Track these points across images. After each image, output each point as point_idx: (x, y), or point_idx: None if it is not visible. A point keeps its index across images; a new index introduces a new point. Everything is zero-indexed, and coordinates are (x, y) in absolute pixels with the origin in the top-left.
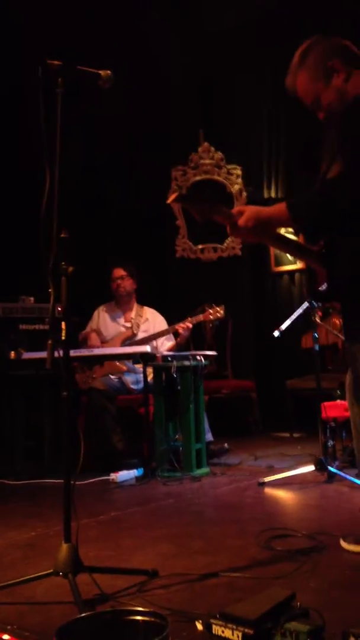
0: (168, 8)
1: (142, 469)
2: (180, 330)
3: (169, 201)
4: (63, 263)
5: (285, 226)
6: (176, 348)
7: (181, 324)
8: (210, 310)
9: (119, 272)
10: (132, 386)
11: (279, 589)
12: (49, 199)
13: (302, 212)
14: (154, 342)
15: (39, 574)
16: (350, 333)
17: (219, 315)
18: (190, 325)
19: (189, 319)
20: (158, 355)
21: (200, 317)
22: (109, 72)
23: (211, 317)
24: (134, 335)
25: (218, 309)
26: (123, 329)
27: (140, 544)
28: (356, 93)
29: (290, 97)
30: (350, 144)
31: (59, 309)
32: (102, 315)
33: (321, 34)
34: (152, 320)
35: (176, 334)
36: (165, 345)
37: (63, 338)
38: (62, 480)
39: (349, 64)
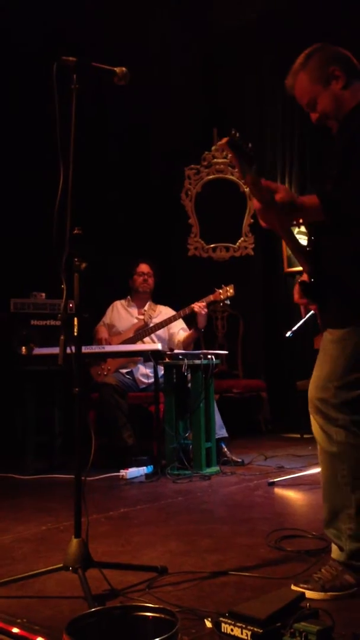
0: (179, 4)
1: (151, 466)
2: (197, 309)
3: (221, 143)
4: (76, 259)
5: (314, 218)
6: (195, 335)
7: (196, 303)
8: (220, 290)
9: (147, 268)
10: (144, 379)
11: (289, 589)
12: (63, 196)
13: (333, 205)
14: (169, 331)
15: (49, 568)
16: (336, 319)
17: (229, 294)
18: (204, 304)
19: (201, 301)
20: (169, 353)
21: (211, 297)
22: (124, 69)
23: (221, 296)
24: (146, 324)
25: (228, 287)
26: (136, 320)
27: (149, 540)
28: (355, 103)
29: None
30: (348, 155)
31: (71, 305)
32: (116, 310)
33: (327, 41)
34: (164, 313)
35: (191, 322)
36: (180, 334)
37: (75, 334)
38: (71, 476)
39: (349, 73)
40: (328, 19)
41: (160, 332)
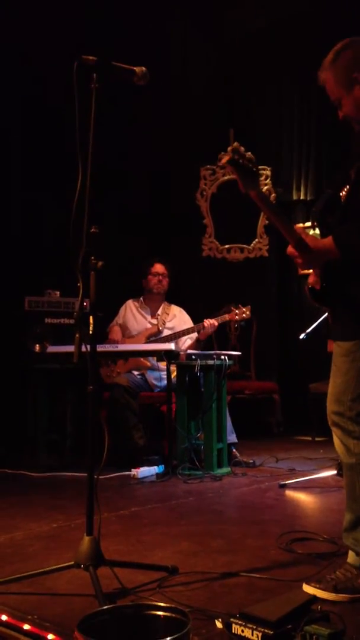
0: (197, 9)
1: (163, 466)
2: (206, 324)
3: (222, 162)
4: (93, 258)
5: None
6: (196, 345)
7: (208, 320)
8: (237, 310)
9: (162, 268)
10: (155, 382)
11: (300, 591)
12: (81, 195)
13: (350, 251)
14: (178, 340)
15: (61, 565)
16: (344, 332)
17: (244, 315)
18: (216, 323)
19: (215, 318)
20: (182, 353)
21: (226, 316)
22: (144, 68)
23: (237, 317)
24: (159, 331)
25: (244, 309)
26: (149, 325)
27: (160, 540)
28: None
29: (320, 100)
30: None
31: (86, 303)
32: (129, 310)
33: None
34: (178, 317)
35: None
36: (186, 343)
37: (90, 332)
38: (83, 474)
39: None
40: (345, 20)
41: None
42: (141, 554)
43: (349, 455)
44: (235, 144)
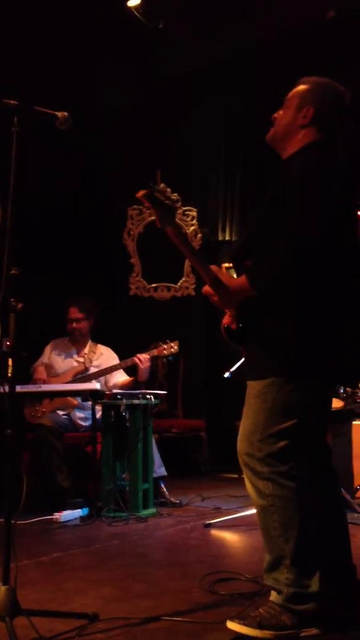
0: (125, 50)
1: (87, 508)
2: (141, 358)
3: (138, 195)
4: (13, 300)
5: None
6: (133, 385)
7: (141, 354)
8: (164, 345)
9: (75, 313)
10: (82, 422)
11: (220, 634)
12: (2, 235)
13: (262, 286)
14: (105, 377)
15: None
16: (256, 371)
17: (172, 350)
18: (148, 357)
19: (143, 353)
20: (107, 392)
21: (155, 352)
22: (65, 113)
23: (165, 352)
24: (86, 369)
25: (172, 344)
26: (75, 363)
27: (82, 586)
28: (305, 143)
29: (246, 141)
30: (289, 195)
31: (7, 343)
32: (54, 350)
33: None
34: (105, 356)
35: (129, 371)
36: (117, 377)
37: (9, 374)
38: (1, 520)
39: (319, 123)
40: (268, 67)
41: None
42: (61, 602)
43: (260, 497)
44: (151, 183)
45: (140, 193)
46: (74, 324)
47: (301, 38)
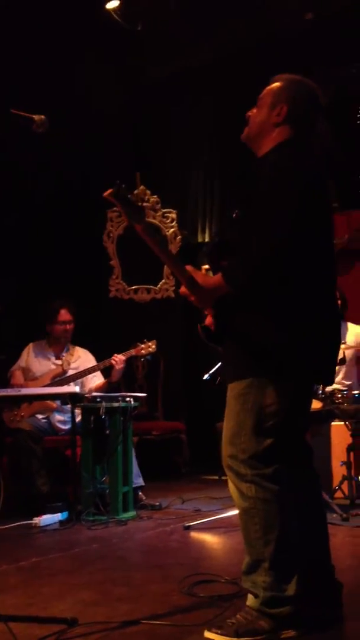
0: (106, 52)
1: (66, 512)
2: (116, 359)
3: (105, 195)
4: None
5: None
6: (107, 387)
7: (117, 355)
8: (142, 345)
9: (67, 315)
10: (61, 425)
11: (199, 636)
12: None
13: (237, 283)
14: (83, 379)
15: None
16: (235, 373)
17: (150, 349)
18: (124, 358)
19: (122, 354)
20: (87, 395)
21: (132, 351)
22: (42, 116)
23: (143, 351)
24: (64, 372)
25: (150, 343)
26: (53, 366)
27: (61, 591)
28: (279, 141)
29: (226, 143)
30: (261, 197)
31: None
32: (32, 354)
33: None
34: (83, 358)
35: (107, 372)
36: (94, 381)
37: None
38: None
39: (293, 120)
40: (252, 71)
41: None
42: (40, 607)
43: (242, 499)
44: (118, 181)
45: (107, 192)
46: (67, 326)
47: (282, 41)
